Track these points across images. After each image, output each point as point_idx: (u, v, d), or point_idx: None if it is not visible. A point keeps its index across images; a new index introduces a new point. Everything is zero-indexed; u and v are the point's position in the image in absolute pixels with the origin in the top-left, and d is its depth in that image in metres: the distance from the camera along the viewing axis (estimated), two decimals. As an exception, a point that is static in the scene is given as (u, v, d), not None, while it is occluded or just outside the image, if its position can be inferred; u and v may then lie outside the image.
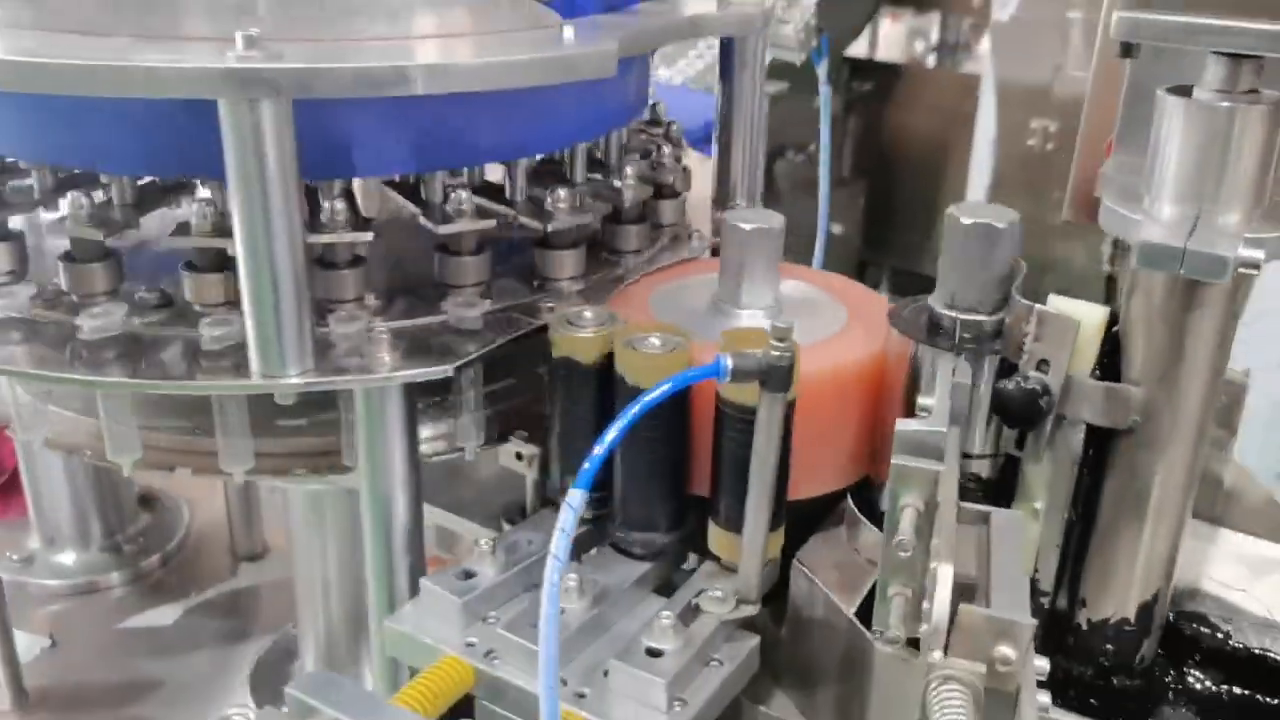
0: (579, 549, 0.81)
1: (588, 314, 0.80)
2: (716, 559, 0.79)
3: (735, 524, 0.75)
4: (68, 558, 1.45)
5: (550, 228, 0.88)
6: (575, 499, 0.63)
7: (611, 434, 0.65)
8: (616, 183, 0.95)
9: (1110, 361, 0.71)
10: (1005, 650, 0.54)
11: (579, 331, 0.78)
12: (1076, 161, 0.91)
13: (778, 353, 0.67)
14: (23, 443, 1.37)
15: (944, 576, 0.56)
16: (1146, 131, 0.71)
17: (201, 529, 1.55)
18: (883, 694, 0.71)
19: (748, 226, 0.83)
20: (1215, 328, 0.68)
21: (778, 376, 0.68)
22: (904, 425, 0.65)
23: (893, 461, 0.63)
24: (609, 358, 0.77)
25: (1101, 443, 0.73)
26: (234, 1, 0.77)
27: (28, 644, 1.32)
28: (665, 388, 0.66)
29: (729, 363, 0.67)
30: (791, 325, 0.69)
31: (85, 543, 1.46)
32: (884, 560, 0.64)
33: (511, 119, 0.83)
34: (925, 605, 0.57)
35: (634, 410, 0.65)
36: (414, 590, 0.82)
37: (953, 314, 0.75)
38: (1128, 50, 0.69)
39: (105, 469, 1.33)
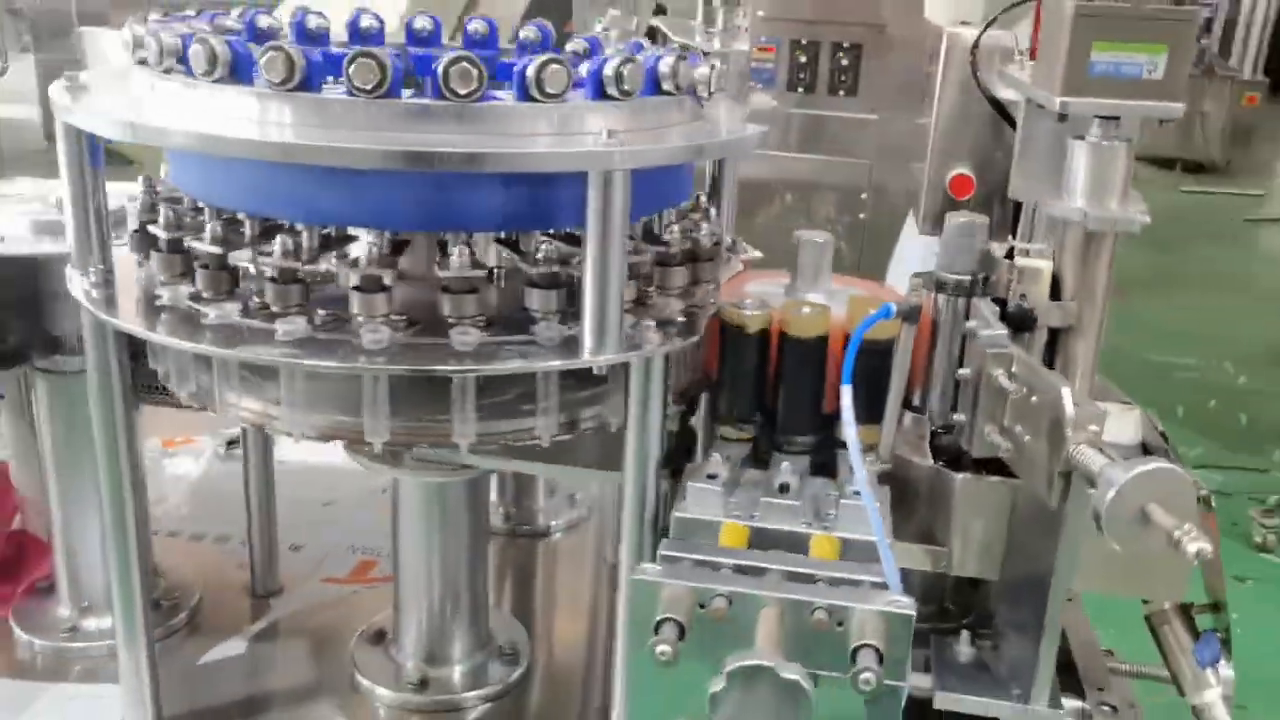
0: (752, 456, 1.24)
1: (747, 301, 1.23)
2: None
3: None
4: (104, 622, 1.58)
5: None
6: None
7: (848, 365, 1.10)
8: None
9: (1053, 291, 1.26)
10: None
11: (749, 312, 1.21)
12: (926, 189, 1.47)
13: (912, 303, 1.16)
14: (62, 516, 1.52)
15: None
16: (1035, 160, 1.28)
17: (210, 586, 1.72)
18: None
19: (820, 240, 1.31)
20: (1108, 260, 1.25)
21: (913, 315, 1.16)
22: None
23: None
24: (766, 329, 1.21)
25: (1053, 337, 1.27)
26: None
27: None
28: (865, 327, 1.12)
29: (894, 308, 1.14)
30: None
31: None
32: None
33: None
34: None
35: (854, 344, 1.11)
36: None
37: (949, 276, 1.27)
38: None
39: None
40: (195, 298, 1.17)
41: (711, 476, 1.16)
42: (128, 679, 1.36)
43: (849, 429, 1.09)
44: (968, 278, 1.26)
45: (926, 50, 1.76)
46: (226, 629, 1.61)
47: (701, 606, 1.01)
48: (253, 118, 1.07)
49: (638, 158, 1.05)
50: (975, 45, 1.46)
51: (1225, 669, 1.29)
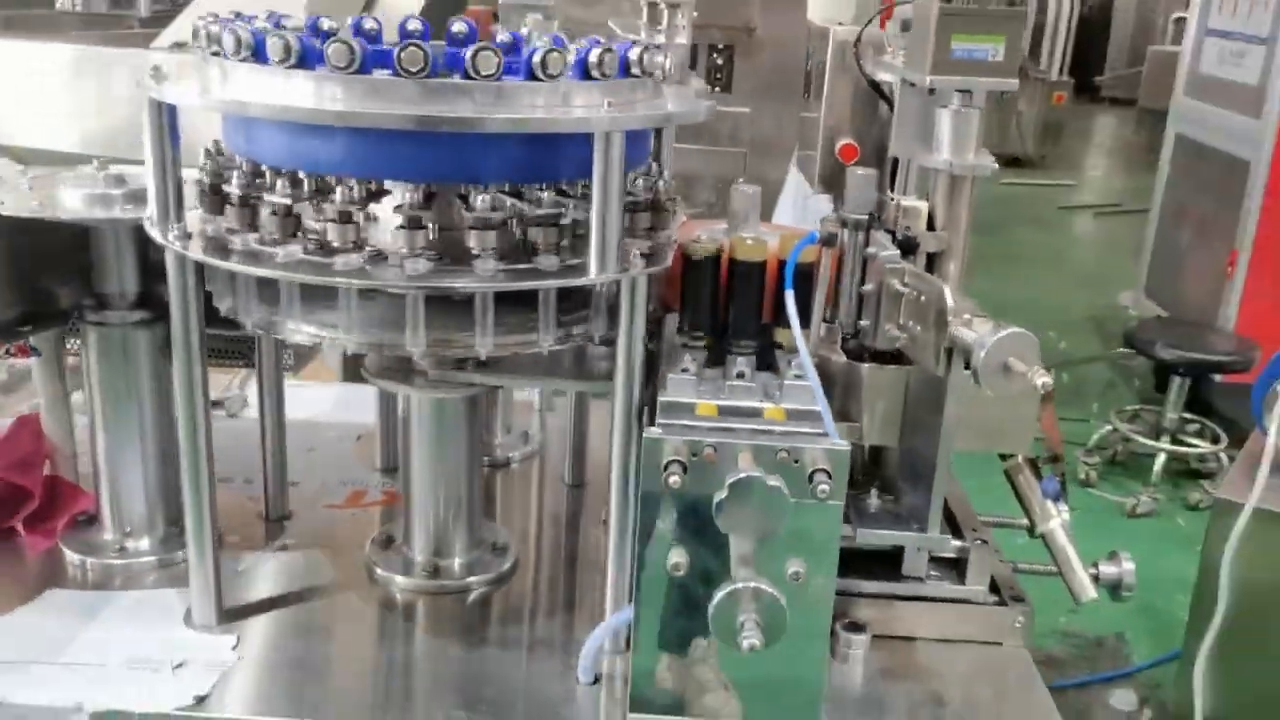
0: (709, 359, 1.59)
1: (701, 237, 1.58)
2: (779, 345, 1.61)
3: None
4: (142, 543, 1.83)
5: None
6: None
7: (789, 275, 1.46)
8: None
9: (928, 224, 1.66)
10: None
11: (704, 244, 1.57)
12: (819, 156, 1.87)
13: (829, 231, 1.53)
14: (106, 451, 1.77)
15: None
16: (908, 126, 1.68)
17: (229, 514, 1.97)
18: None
19: (750, 190, 1.68)
20: (968, 200, 1.65)
21: (830, 241, 1.54)
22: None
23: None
24: (717, 257, 1.57)
25: (929, 259, 1.67)
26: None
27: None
28: (797, 252, 1.49)
29: (818, 235, 1.52)
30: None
31: (154, 529, 1.84)
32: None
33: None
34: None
35: (793, 259, 1.47)
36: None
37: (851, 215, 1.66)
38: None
39: (170, 466, 1.79)
40: (263, 242, 1.47)
41: (684, 370, 1.51)
42: (198, 577, 1.62)
43: (794, 322, 1.45)
44: (866, 216, 1.65)
45: (806, 46, 2.15)
46: (253, 546, 1.88)
47: (694, 455, 1.36)
48: (326, 95, 1.37)
49: (629, 122, 1.40)
50: (858, 40, 1.85)
51: (1064, 511, 1.72)
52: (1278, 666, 2.48)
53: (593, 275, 1.44)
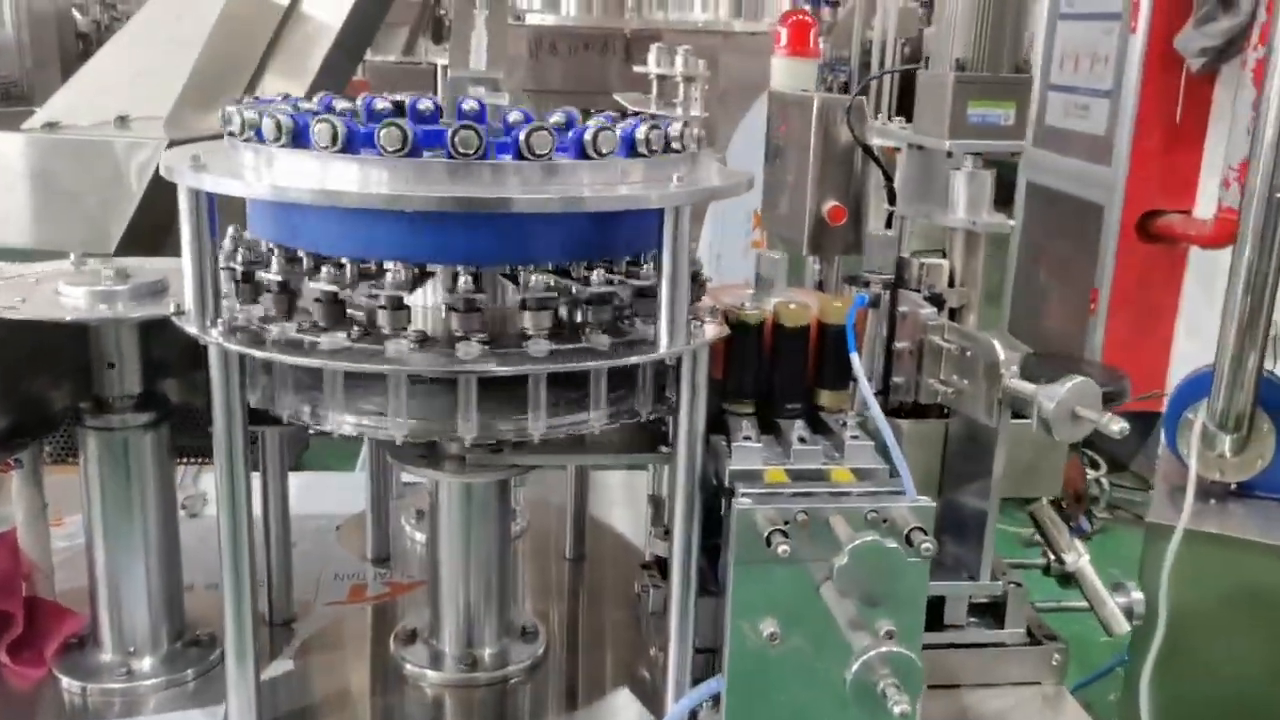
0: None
1: (745, 303, 1.60)
2: (821, 408, 1.63)
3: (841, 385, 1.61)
4: (144, 663, 1.70)
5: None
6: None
7: (851, 339, 1.49)
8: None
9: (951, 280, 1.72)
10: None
11: (750, 311, 1.58)
12: (808, 220, 1.92)
13: (875, 293, 1.57)
14: (107, 564, 1.66)
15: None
16: (925, 189, 1.74)
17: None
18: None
19: (776, 256, 1.70)
20: (982, 255, 1.72)
21: (875, 303, 1.57)
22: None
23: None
24: (762, 323, 1.58)
25: (952, 314, 1.73)
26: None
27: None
28: (853, 314, 1.52)
29: (867, 298, 1.55)
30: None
31: (158, 647, 1.71)
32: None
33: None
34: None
35: (850, 323, 1.50)
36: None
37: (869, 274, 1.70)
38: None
39: (174, 577, 1.69)
40: (302, 329, 1.41)
41: (747, 438, 1.52)
42: (239, 694, 1.52)
43: (862, 381, 1.48)
44: (891, 276, 1.70)
45: (772, 114, 2.20)
46: (264, 653, 1.76)
47: (786, 523, 1.36)
48: (372, 179, 1.33)
49: (696, 196, 1.40)
50: (849, 108, 1.91)
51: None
52: (1215, 678, 2.62)
53: (663, 349, 1.43)
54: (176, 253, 3.12)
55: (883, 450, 1.49)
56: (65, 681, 1.66)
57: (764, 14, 3.88)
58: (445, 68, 5.99)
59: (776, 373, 1.61)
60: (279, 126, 1.35)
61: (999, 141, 1.66)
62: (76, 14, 8.20)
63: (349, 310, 1.44)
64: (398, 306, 1.41)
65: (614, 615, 1.95)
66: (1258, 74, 5.01)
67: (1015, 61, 1.64)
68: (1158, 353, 5.23)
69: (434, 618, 1.76)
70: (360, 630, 1.86)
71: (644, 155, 1.44)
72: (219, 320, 1.42)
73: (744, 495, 1.39)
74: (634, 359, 1.42)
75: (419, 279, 1.49)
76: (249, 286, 1.47)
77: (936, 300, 1.68)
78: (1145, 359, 5.15)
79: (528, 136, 1.34)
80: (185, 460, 2.23)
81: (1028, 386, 1.46)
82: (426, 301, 1.50)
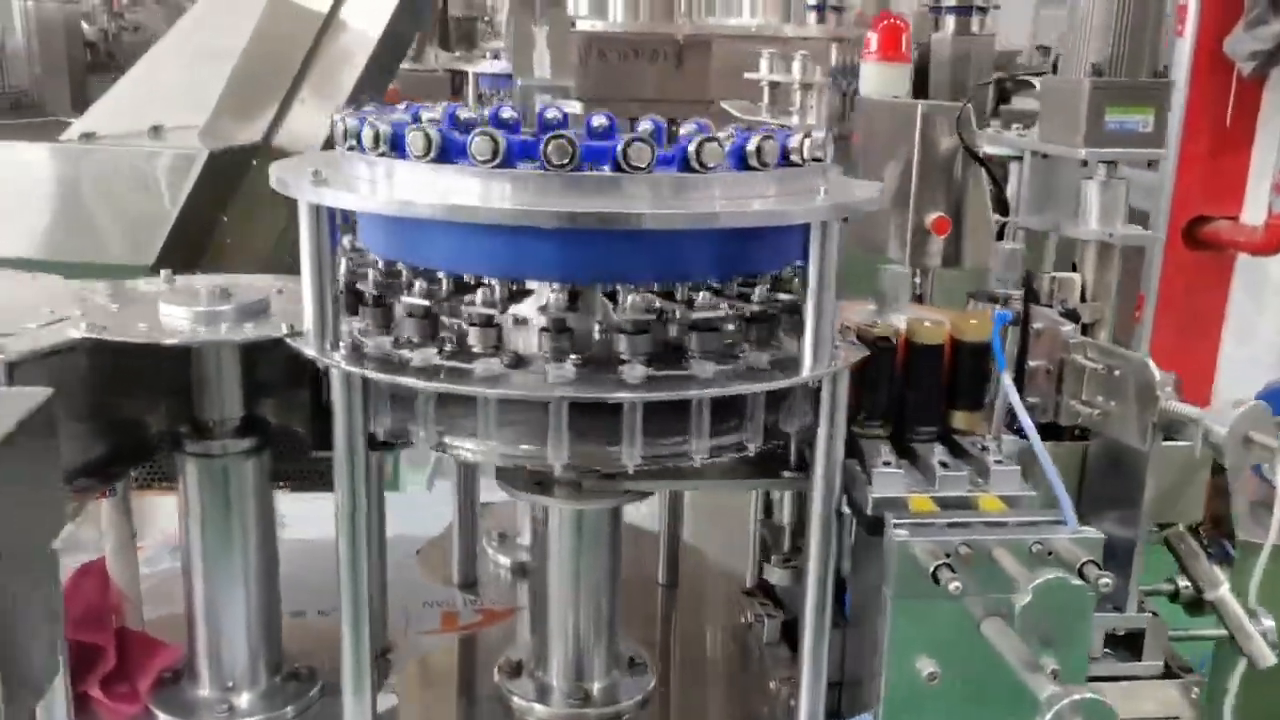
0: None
1: (875, 322, 1.52)
2: (955, 430, 1.55)
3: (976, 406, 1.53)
4: (243, 699, 1.62)
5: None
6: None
7: (1000, 357, 1.41)
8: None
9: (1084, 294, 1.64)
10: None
11: (880, 330, 1.50)
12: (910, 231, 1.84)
13: (1016, 309, 1.49)
14: (206, 596, 1.58)
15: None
16: (1049, 199, 1.67)
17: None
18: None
19: (901, 271, 1.63)
20: (1117, 268, 1.64)
21: (1017, 320, 1.50)
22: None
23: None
24: (895, 342, 1.50)
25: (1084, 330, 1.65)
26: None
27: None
28: (999, 329, 1.44)
29: (1011, 315, 1.47)
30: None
31: (256, 683, 1.64)
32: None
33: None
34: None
35: (997, 340, 1.42)
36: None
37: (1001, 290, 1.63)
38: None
39: (273, 608, 1.62)
40: (397, 344, 1.36)
41: (886, 463, 1.44)
42: (355, 724, 1.45)
43: (1016, 401, 1.40)
44: (1020, 291, 1.62)
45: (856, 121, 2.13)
46: (362, 686, 1.69)
47: (947, 555, 1.28)
48: (527, 192, 1.26)
49: (843, 211, 1.33)
50: (959, 117, 1.84)
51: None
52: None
53: (806, 371, 1.35)
54: (215, 268, 3.07)
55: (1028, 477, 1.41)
56: (162, 718, 1.58)
57: (818, 19, 3.82)
58: (475, 74, 5.93)
59: (910, 393, 1.53)
60: (427, 141, 1.27)
61: (1138, 149, 1.58)
62: (84, 23, 8.15)
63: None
64: (487, 324, 1.34)
65: (719, 644, 1.87)
66: (1311, 74, 4.94)
67: (1154, 66, 1.57)
68: (1205, 360, 5.15)
69: (540, 649, 1.69)
70: (458, 661, 1.78)
71: (756, 169, 1.36)
72: (340, 343, 1.34)
73: (899, 526, 1.31)
74: (782, 383, 1.34)
75: (514, 295, 1.41)
76: (350, 298, 1.41)
77: (1071, 316, 1.60)
78: (1192, 366, 5.05)
79: (697, 149, 1.26)
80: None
81: (1192, 410, 1.38)
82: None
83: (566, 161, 1.25)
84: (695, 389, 1.32)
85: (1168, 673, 1.67)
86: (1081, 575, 1.26)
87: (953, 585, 1.23)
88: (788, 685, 1.65)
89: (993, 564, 1.29)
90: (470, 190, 1.28)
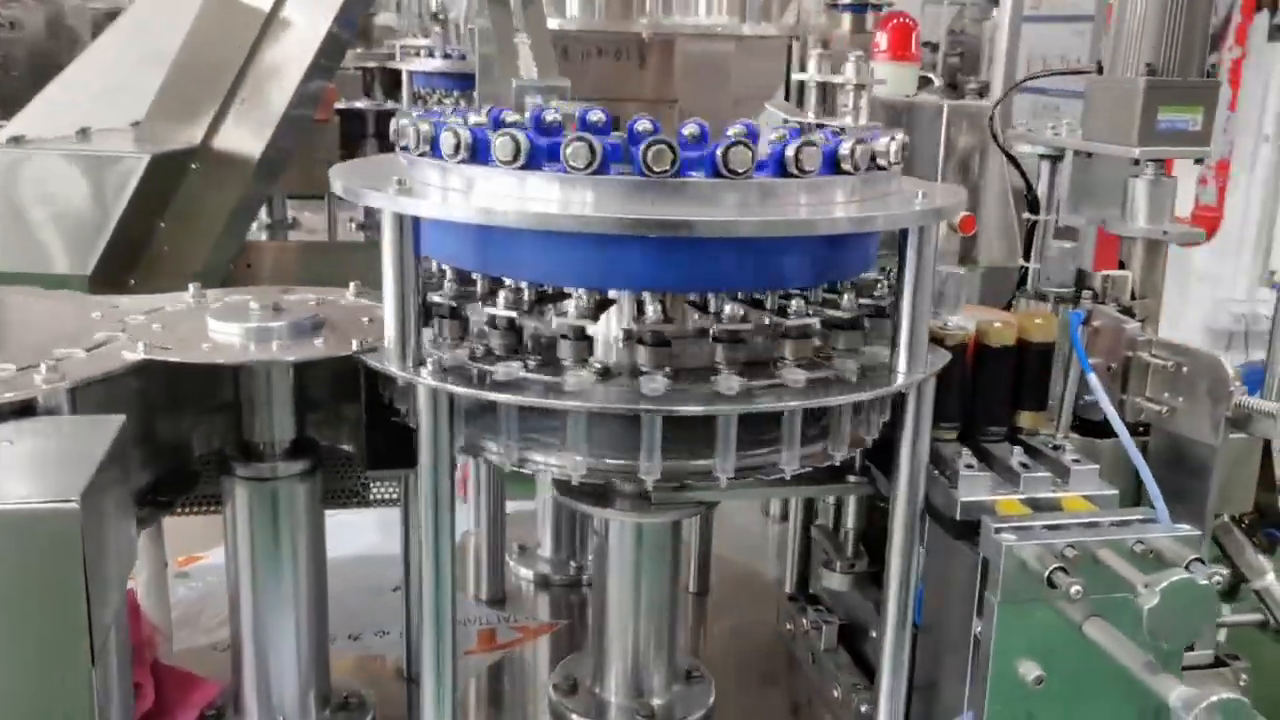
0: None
1: (948, 323, 1.51)
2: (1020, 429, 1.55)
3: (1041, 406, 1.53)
4: (295, 739, 1.55)
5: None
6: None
7: (1083, 358, 1.41)
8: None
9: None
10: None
11: (953, 330, 1.50)
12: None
13: (1088, 308, 1.50)
14: (255, 625, 1.51)
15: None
16: (1093, 197, 1.68)
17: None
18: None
19: (961, 271, 1.62)
20: (1164, 265, 1.66)
21: (1088, 319, 1.50)
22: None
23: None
24: (965, 343, 1.50)
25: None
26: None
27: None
28: (1076, 329, 1.44)
29: (1083, 315, 1.48)
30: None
31: (306, 715, 1.56)
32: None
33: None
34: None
35: (1077, 341, 1.43)
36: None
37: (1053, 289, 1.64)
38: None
39: (322, 638, 1.55)
40: (474, 356, 1.32)
41: (969, 466, 1.43)
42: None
43: (1104, 400, 1.40)
44: (1071, 289, 1.63)
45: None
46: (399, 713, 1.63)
47: (1057, 557, 1.28)
48: (584, 199, 1.22)
49: (941, 214, 1.31)
50: (991, 116, 1.84)
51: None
52: None
53: (901, 379, 1.34)
54: (151, 276, 2.95)
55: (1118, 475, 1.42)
56: (211, 759, 1.50)
57: (775, 17, 3.82)
58: (409, 72, 5.78)
59: (980, 395, 1.52)
60: (516, 147, 1.22)
61: (1187, 148, 1.60)
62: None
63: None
64: (580, 336, 1.30)
65: (767, 652, 1.84)
66: (1233, 74, 5.14)
67: (1202, 66, 1.59)
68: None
69: (598, 664, 1.64)
70: (505, 680, 1.73)
71: (851, 173, 1.34)
72: (426, 359, 1.28)
73: (1003, 530, 1.30)
74: (880, 391, 1.32)
75: (602, 304, 1.37)
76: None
77: (1127, 313, 1.62)
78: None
79: (796, 154, 1.23)
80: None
81: (1269, 404, 1.40)
82: (609, 330, 1.39)
83: (667, 168, 1.21)
84: (791, 399, 1.30)
85: (1218, 662, 1.70)
86: (1188, 570, 1.27)
87: (1074, 589, 1.23)
88: (855, 692, 1.63)
89: (1096, 565, 1.29)
90: (557, 197, 1.23)
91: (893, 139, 1.35)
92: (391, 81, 5.71)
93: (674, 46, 3.60)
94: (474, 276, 1.39)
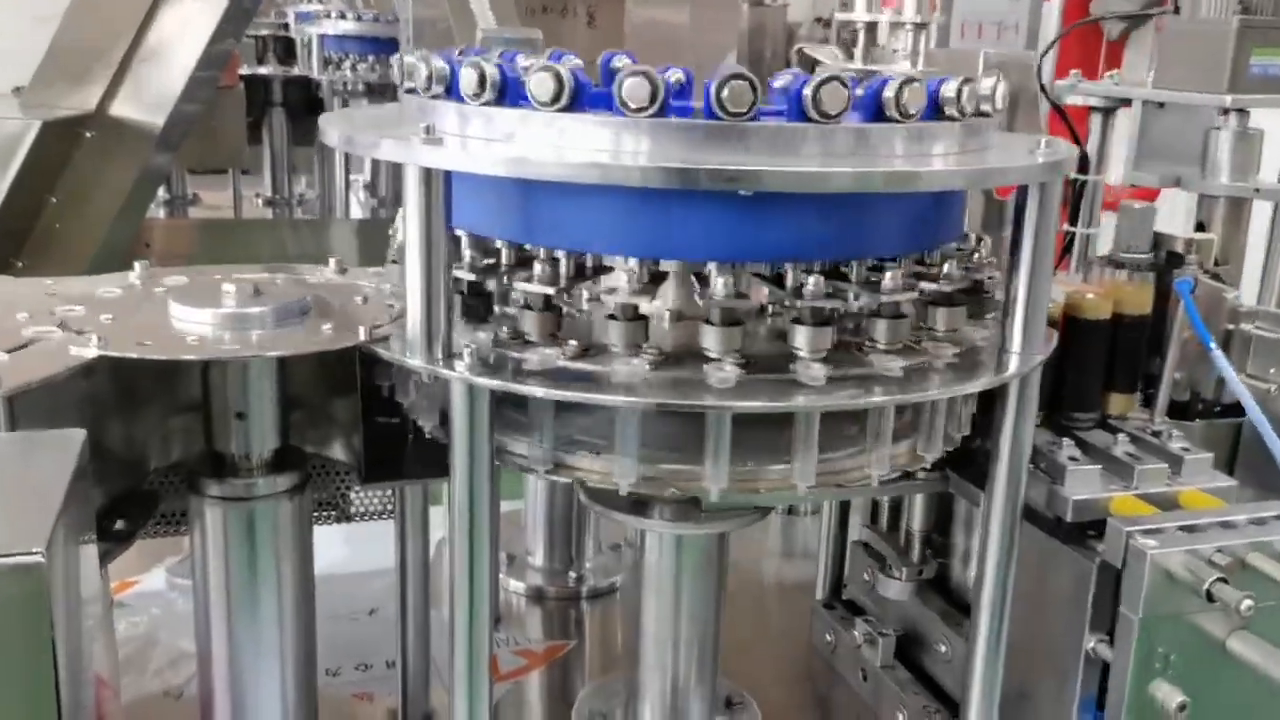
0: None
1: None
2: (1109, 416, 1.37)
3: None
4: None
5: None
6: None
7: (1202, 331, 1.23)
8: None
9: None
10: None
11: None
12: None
13: (1194, 275, 1.33)
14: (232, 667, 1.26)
15: None
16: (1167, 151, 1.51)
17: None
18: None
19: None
20: (1247, 223, 1.50)
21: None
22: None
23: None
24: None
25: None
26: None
27: None
28: (1188, 301, 1.27)
29: (1190, 282, 1.30)
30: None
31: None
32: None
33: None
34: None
35: (1193, 311, 1.25)
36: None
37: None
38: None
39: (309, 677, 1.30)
40: (499, 342, 1.09)
41: (1073, 458, 1.25)
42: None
43: (1230, 375, 1.22)
44: (1149, 256, 1.45)
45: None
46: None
47: (1210, 564, 1.10)
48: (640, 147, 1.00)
49: (1061, 168, 1.11)
50: (1039, 68, 1.66)
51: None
52: None
53: (1015, 364, 1.14)
54: (41, 258, 2.64)
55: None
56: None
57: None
58: (319, 35, 5.42)
59: (1069, 375, 1.34)
60: (559, 84, 0.99)
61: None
62: None
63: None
64: (633, 317, 1.08)
65: (802, 669, 1.65)
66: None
67: (1297, 2, 1.43)
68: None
69: (630, 694, 1.42)
70: (519, 716, 1.49)
71: (953, 118, 1.14)
72: (468, 353, 1.04)
73: (1141, 535, 1.12)
74: (992, 379, 1.12)
75: (655, 278, 1.14)
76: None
77: (1216, 281, 1.45)
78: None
79: (897, 94, 1.02)
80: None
81: (1402, 378, 1.25)
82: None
83: (744, 110, 0.99)
84: (884, 392, 1.09)
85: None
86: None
87: (1244, 604, 1.04)
88: (927, 716, 1.44)
89: (1244, 571, 1.11)
90: (610, 145, 1.00)
91: (998, 80, 1.14)
92: (285, 50, 5.36)
93: (624, 4, 3.36)
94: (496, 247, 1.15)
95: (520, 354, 1.06)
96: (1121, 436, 1.29)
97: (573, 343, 1.06)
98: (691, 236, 1.04)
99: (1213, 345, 1.27)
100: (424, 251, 1.02)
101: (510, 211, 1.08)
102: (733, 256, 1.06)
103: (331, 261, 1.38)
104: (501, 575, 1.85)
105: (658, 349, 1.08)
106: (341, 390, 1.23)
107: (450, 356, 1.04)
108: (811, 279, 1.07)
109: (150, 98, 3.62)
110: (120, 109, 3.64)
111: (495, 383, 1.02)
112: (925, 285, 1.14)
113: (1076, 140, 1.68)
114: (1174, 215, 2.07)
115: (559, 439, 1.12)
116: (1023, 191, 1.11)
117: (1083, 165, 1.65)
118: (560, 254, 1.08)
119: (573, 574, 1.85)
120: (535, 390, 1.01)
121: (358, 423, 1.23)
